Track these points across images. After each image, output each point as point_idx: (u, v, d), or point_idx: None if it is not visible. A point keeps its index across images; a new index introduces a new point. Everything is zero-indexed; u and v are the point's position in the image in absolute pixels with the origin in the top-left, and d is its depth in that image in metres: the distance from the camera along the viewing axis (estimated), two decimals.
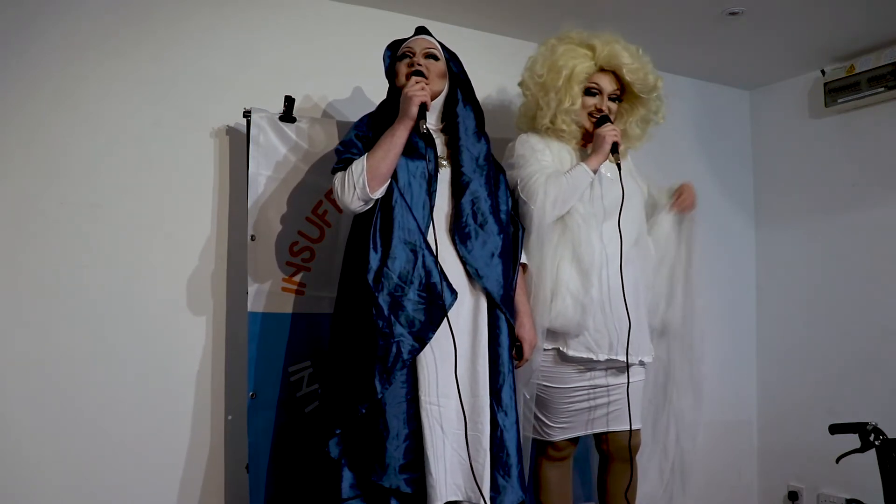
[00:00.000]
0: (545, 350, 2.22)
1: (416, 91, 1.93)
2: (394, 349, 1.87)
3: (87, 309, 2.23)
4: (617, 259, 2.20)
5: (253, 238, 2.33)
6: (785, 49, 3.14)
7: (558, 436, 2.28)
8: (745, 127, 3.68)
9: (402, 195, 1.95)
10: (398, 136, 1.94)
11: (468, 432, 1.90)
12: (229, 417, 2.40)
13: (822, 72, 3.27)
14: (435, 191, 2.00)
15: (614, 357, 2.20)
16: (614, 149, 2.19)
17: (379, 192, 1.94)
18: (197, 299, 2.38)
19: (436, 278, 1.92)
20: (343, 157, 2.01)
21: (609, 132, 2.20)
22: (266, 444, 2.27)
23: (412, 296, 1.90)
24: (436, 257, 1.93)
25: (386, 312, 1.88)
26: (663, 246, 2.38)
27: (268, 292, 2.33)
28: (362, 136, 2.04)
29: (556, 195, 2.15)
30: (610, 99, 2.31)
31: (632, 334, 2.19)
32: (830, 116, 3.29)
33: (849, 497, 2.89)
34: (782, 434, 3.45)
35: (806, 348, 3.36)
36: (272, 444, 2.27)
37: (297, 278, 2.38)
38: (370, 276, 1.89)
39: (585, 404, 2.25)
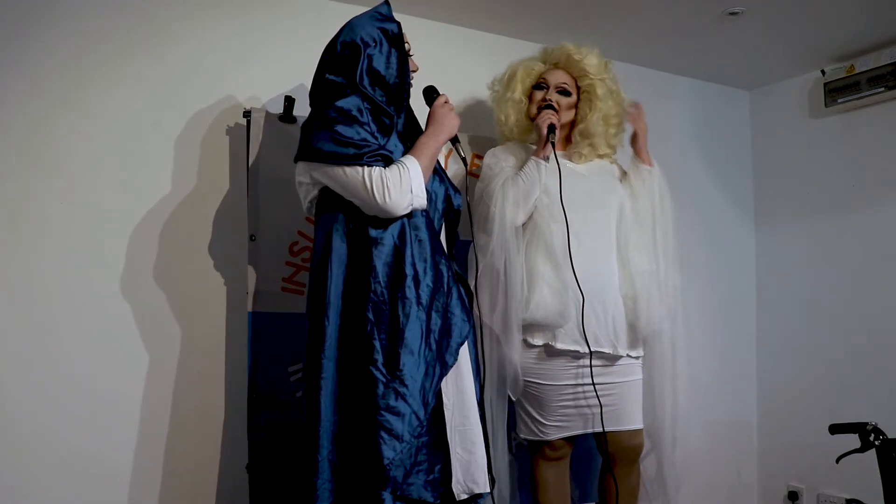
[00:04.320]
0: (532, 347, 2.23)
1: (453, 114, 1.95)
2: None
3: (87, 308, 2.22)
4: (588, 251, 2.23)
5: (253, 238, 2.33)
6: (785, 49, 3.14)
7: (554, 434, 2.28)
8: (744, 127, 3.68)
9: (427, 215, 1.89)
10: (437, 151, 1.90)
11: (458, 428, 1.88)
12: (229, 417, 2.40)
13: (822, 72, 3.26)
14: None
15: (600, 349, 2.22)
16: (551, 131, 2.24)
17: None
18: (197, 299, 2.38)
19: (454, 298, 1.90)
20: (372, 150, 1.77)
21: (544, 115, 2.28)
22: (266, 444, 2.27)
23: (435, 319, 1.83)
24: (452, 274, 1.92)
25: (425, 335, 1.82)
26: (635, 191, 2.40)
27: (268, 292, 2.33)
28: (367, 127, 1.82)
29: (514, 196, 2.23)
30: (560, 92, 2.35)
31: (611, 327, 2.23)
32: (830, 116, 3.29)
33: (849, 497, 2.89)
34: (782, 434, 3.45)
35: (806, 348, 3.36)
36: (272, 444, 2.27)
37: (297, 278, 2.38)
38: (409, 295, 1.78)
39: (578, 401, 2.25)
